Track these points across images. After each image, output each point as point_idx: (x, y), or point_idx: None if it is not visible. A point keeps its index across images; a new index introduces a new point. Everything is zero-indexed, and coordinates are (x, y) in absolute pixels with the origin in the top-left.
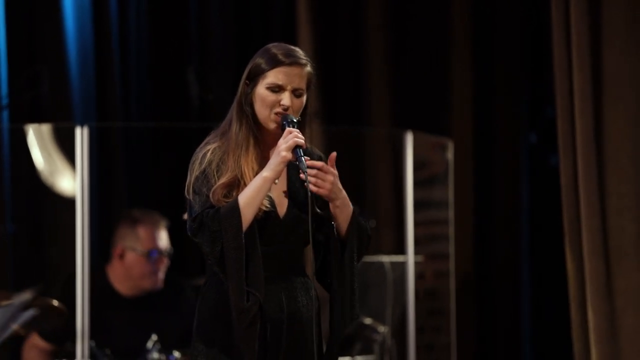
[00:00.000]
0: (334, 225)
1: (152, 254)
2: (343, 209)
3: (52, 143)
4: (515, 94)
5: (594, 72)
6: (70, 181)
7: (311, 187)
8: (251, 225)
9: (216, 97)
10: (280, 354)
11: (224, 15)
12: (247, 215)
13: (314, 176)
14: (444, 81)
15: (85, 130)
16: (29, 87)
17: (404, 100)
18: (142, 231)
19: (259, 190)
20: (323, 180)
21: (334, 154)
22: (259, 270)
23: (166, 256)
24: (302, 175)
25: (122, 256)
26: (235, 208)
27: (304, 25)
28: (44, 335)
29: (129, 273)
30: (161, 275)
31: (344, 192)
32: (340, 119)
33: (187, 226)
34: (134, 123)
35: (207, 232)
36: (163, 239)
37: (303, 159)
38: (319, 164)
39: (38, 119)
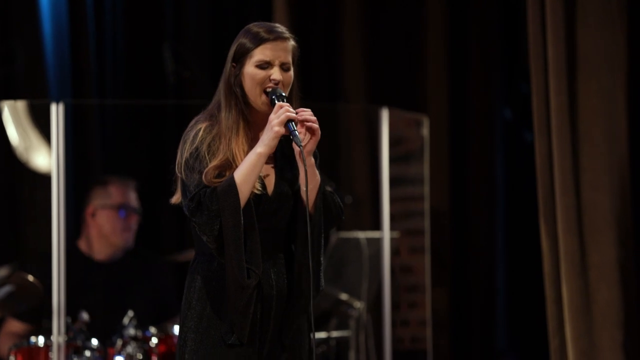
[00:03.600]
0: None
1: (122, 209)
2: (311, 176)
3: (28, 120)
4: (490, 70)
5: (568, 48)
6: (45, 158)
7: (311, 125)
8: (248, 203)
9: (192, 74)
10: (268, 331)
11: None
12: (244, 192)
13: (310, 115)
14: (419, 57)
15: (61, 107)
16: (3, 64)
17: (379, 77)
18: (112, 189)
19: (253, 166)
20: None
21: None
22: (257, 247)
23: (136, 213)
24: (297, 149)
25: (93, 215)
26: (232, 186)
27: (279, 2)
28: (20, 317)
29: (101, 231)
30: (132, 232)
31: (312, 159)
32: (315, 95)
33: (184, 206)
34: (109, 100)
35: (205, 211)
36: (133, 197)
37: (297, 132)
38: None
39: (13, 96)
